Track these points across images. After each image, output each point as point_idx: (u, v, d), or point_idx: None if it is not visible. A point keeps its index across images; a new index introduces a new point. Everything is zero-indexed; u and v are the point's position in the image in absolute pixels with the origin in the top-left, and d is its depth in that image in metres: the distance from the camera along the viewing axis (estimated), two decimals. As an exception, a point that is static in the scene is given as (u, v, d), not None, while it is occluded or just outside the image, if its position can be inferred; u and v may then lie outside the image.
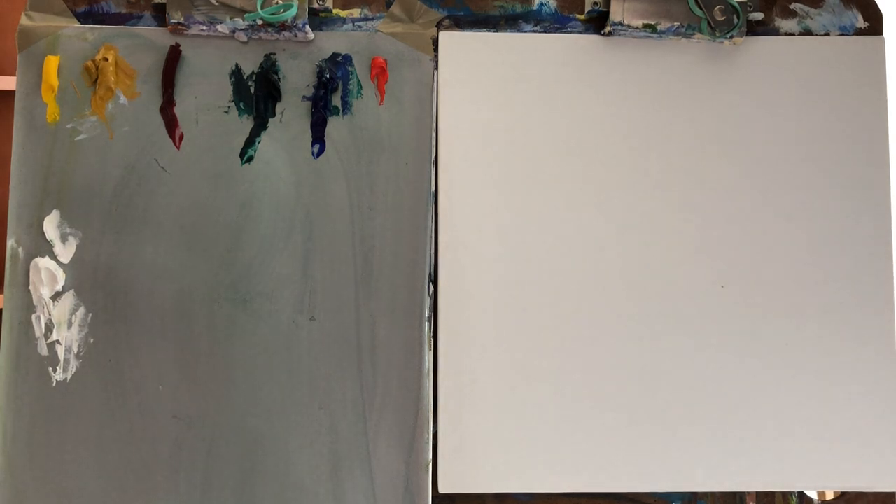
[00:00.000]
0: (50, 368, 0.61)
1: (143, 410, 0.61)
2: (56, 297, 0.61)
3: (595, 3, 0.64)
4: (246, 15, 0.61)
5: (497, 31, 0.65)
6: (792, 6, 0.65)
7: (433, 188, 0.63)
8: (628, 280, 0.63)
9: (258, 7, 0.60)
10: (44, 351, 0.61)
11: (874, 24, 0.65)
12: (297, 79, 0.63)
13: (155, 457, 0.60)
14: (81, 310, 0.61)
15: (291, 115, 0.63)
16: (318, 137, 0.63)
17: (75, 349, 0.61)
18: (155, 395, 0.61)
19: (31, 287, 0.61)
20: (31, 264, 0.61)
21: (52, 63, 0.62)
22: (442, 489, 0.61)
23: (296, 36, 0.62)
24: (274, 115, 0.63)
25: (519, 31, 0.65)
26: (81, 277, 0.61)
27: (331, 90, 0.63)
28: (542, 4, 0.65)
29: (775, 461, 0.62)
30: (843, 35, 0.65)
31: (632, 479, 0.62)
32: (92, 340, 0.61)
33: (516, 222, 0.63)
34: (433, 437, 0.62)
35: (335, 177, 0.62)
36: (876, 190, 0.64)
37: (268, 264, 0.62)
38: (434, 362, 0.62)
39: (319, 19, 0.64)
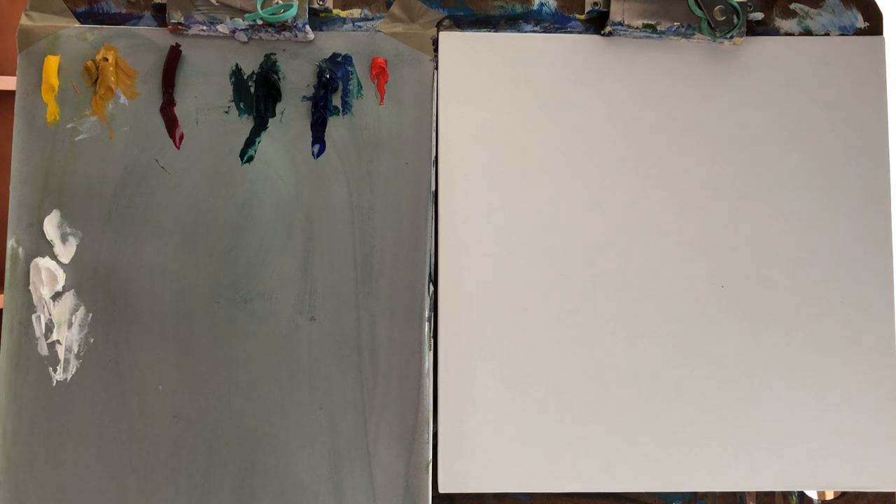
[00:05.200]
0: (50, 368, 0.61)
1: (143, 410, 0.61)
2: (56, 297, 0.61)
3: (595, 3, 0.64)
4: (246, 15, 0.61)
5: (497, 31, 0.65)
6: (792, 6, 0.65)
7: (433, 188, 0.63)
8: (628, 280, 0.63)
9: (258, 7, 0.60)
10: (44, 351, 0.61)
11: (874, 24, 0.65)
12: (297, 79, 0.63)
13: (155, 457, 0.60)
14: (81, 310, 0.61)
15: (291, 115, 0.63)
16: (318, 137, 0.63)
17: (75, 349, 0.61)
18: (155, 395, 0.61)
19: (31, 287, 0.61)
20: (31, 264, 0.61)
21: (52, 63, 0.62)
22: (442, 489, 0.61)
23: (296, 36, 0.62)
24: (274, 115, 0.63)
25: (519, 31, 0.65)
26: (81, 277, 0.61)
27: (331, 90, 0.63)
28: (542, 4, 0.65)
29: (775, 461, 0.62)
30: (843, 35, 0.65)
31: (632, 479, 0.62)
32: (92, 340, 0.61)
33: (516, 222, 0.63)
34: (433, 437, 0.62)
35: (335, 177, 0.62)
36: (876, 190, 0.64)
37: (268, 264, 0.62)
38: (434, 362, 0.62)
39: (319, 19, 0.64)
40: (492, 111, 0.64)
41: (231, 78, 0.63)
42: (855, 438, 0.62)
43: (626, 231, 0.63)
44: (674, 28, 0.63)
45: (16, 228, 0.62)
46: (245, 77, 0.63)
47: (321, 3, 0.63)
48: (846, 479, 0.62)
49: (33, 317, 0.61)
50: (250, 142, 0.63)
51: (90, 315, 0.61)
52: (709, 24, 0.63)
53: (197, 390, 0.61)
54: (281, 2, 0.61)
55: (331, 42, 0.63)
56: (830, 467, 0.62)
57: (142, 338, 0.61)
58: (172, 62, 0.63)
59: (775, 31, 0.65)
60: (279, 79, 0.63)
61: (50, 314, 0.61)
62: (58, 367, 0.61)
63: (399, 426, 0.61)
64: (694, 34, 0.63)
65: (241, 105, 0.63)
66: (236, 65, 0.63)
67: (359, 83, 0.63)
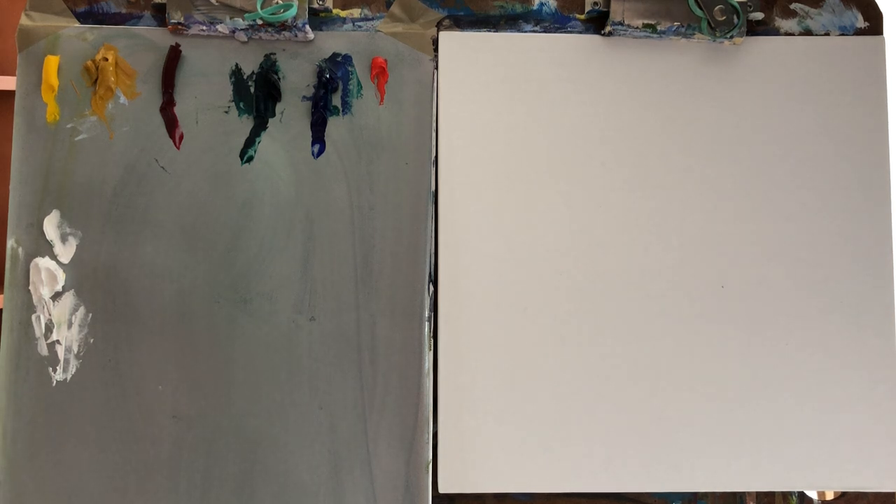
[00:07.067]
0: (50, 368, 0.61)
1: (143, 410, 0.61)
2: (56, 297, 0.61)
3: (595, 3, 0.64)
4: (246, 15, 0.61)
5: (497, 31, 0.65)
6: (792, 6, 0.65)
7: (433, 188, 0.63)
8: (628, 280, 0.63)
9: (258, 7, 0.60)
10: (44, 351, 0.61)
11: (874, 24, 0.65)
12: (297, 79, 0.63)
13: (155, 457, 0.60)
14: (81, 310, 0.61)
15: (291, 115, 0.63)
16: (318, 137, 0.63)
17: (75, 349, 0.61)
18: (155, 395, 0.61)
19: (31, 287, 0.61)
20: (31, 264, 0.61)
21: (52, 63, 0.62)
22: (442, 489, 0.61)
23: (296, 36, 0.62)
24: (274, 115, 0.63)
25: (519, 31, 0.65)
26: (81, 277, 0.61)
27: (331, 90, 0.63)
28: (542, 4, 0.65)
29: (775, 461, 0.62)
30: (843, 35, 0.65)
31: (632, 479, 0.62)
32: (92, 340, 0.61)
33: (516, 222, 0.63)
34: (433, 437, 0.62)
35: (335, 177, 0.62)
36: (876, 190, 0.64)
37: (268, 264, 0.62)
38: (434, 362, 0.62)
39: (319, 19, 0.64)
40: (492, 111, 0.64)
41: (231, 78, 0.63)
42: (855, 438, 0.62)
43: (626, 231, 0.63)
44: (674, 28, 0.63)
45: (16, 228, 0.62)
46: (245, 77, 0.63)
47: (321, 2, 0.63)
48: (846, 479, 0.62)
49: (33, 317, 0.61)
50: (250, 142, 0.63)
51: (90, 315, 0.61)
52: (709, 23, 0.63)
53: (197, 390, 0.61)
54: (281, 2, 0.61)
55: (331, 42, 0.63)
56: (830, 467, 0.62)
57: (142, 338, 0.61)
58: (172, 62, 0.63)
59: (775, 31, 0.65)
60: (279, 79, 0.63)
61: (50, 314, 0.61)
62: (58, 368, 0.61)
63: (399, 426, 0.61)
64: (694, 34, 0.63)
65: (241, 105, 0.63)
66: (236, 65, 0.63)
67: (359, 83, 0.63)
